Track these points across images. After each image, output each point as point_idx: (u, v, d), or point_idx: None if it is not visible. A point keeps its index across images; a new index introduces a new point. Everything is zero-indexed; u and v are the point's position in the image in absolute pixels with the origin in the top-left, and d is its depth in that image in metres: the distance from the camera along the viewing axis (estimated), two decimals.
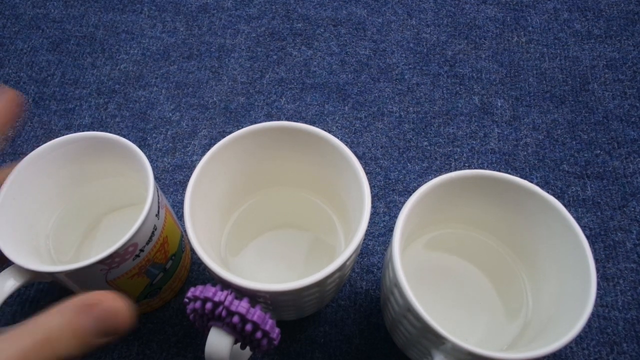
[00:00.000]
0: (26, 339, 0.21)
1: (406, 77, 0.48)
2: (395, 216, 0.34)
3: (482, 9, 0.52)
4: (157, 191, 0.30)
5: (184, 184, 0.41)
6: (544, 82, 0.47)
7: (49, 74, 0.48)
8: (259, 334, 0.26)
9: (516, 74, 0.48)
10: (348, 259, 0.26)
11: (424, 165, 0.43)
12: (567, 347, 0.35)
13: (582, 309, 0.25)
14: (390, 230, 0.40)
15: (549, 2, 0.53)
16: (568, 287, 0.28)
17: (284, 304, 0.28)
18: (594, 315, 0.36)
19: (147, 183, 0.29)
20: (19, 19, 0.51)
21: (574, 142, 0.44)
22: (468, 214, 0.33)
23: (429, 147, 0.44)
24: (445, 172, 0.30)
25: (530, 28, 0.51)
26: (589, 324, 0.36)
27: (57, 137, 0.31)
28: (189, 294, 0.27)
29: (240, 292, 0.26)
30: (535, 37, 0.50)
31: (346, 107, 0.46)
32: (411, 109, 0.46)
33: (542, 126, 0.45)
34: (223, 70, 0.48)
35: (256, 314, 0.25)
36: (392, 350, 0.35)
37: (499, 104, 0.46)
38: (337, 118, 0.45)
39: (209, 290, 0.26)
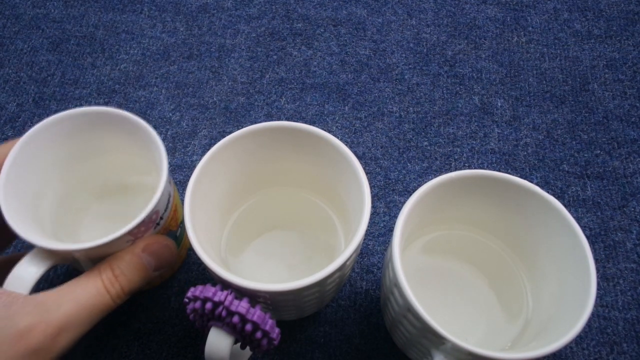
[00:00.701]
0: (108, 274, 0.27)
1: (406, 77, 0.48)
2: (395, 216, 0.34)
3: (482, 9, 0.52)
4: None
5: (184, 184, 0.41)
6: (544, 82, 0.47)
7: (49, 74, 0.48)
8: (259, 334, 0.26)
9: (516, 74, 0.48)
10: (348, 259, 0.26)
11: (424, 165, 0.43)
12: (567, 347, 0.35)
13: (582, 309, 0.25)
14: (390, 230, 0.40)
15: (549, 2, 0.53)
16: (568, 287, 0.28)
17: (284, 304, 0.28)
18: (594, 315, 0.36)
19: (159, 152, 0.29)
20: (19, 19, 0.51)
21: (574, 142, 0.44)
22: (468, 214, 0.33)
23: (429, 147, 0.44)
24: (445, 172, 0.30)
25: (530, 28, 0.51)
26: (589, 324, 0.36)
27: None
28: (189, 294, 0.27)
29: (240, 292, 0.26)
30: (535, 37, 0.50)
31: (346, 107, 0.46)
32: (411, 109, 0.46)
33: (542, 126, 0.45)
34: (223, 70, 0.48)
35: (256, 314, 0.25)
36: (392, 350, 0.35)
37: (499, 104, 0.46)
38: (337, 118, 0.45)
39: (209, 290, 0.26)
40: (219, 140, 0.31)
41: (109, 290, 0.26)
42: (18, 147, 0.29)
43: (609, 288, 0.37)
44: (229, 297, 0.25)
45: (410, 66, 0.49)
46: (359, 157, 0.33)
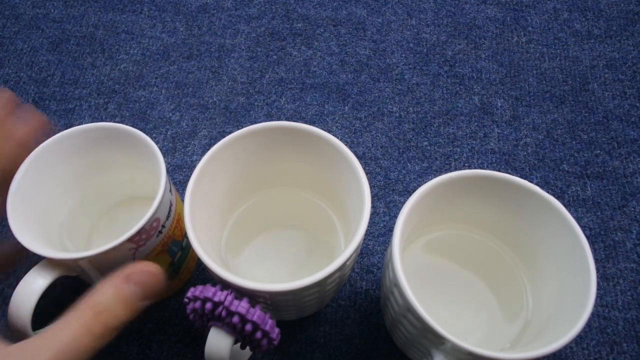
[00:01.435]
0: (88, 313, 0.25)
1: (406, 77, 0.48)
2: (395, 216, 0.34)
3: (482, 9, 0.52)
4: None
5: (184, 184, 0.41)
6: (544, 82, 0.47)
7: (49, 74, 0.48)
8: (258, 334, 0.26)
9: (516, 74, 0.48)
10: (348, 259, 0.26)
11: (424, 165, 0.43)
12: (567, 347, 0.35)
13: (582, 309, 0.25)
14: (390, 230, 0.40)
15: (549, 2, 0.53)
16: (568, 287, 0.28)
17: (284, 304, 0.28)
18: (594, 315, 0.36)
19: (157, 160, 0.30)
20: (19, 19, 0.51)
21: (574, 142, 0.44)
22: (468, 214, 0.33)
23: (429, 147, 0.44)
24: (445, 172, 0.30)
25: (530, 28, 0.51)
26: (589, 324, 0.36)
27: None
28: (189, 294, 0.27)
29: (240, 292, 0.26)
30: (535, 37, 0.50)
31: (346, 107, 0.46)
32: (411, 109, 0.46)
33: (542, 126, 0.45)
34: (223, 70, 0.48)
35: (256, 314, 0.25)
36: (392, 350, 0.35)
37: (499, 104, 0.46)
38: (337, 118, 0.45)
39: (209, 290, 0.26)
40: (219, 140, 0.31)
41: (92, 332, 0.24)
42: (29, 161, 0.30)
43: (609, 288, 0.37)
44: (229, 297, 0.25)
45: (410, 66, 0.49)
46: (359, 157, 0.33)
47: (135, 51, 0.49)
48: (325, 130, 0.31)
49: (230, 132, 0.31)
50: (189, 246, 0.34)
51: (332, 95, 0.47)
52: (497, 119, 0.45)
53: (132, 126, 0.31)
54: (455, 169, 0.37)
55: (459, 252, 0.35)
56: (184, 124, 0.45)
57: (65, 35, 0.50)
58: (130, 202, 0.37)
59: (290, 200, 0.37)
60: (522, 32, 0.51)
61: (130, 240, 0.27)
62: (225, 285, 0.26)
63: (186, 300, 0.27)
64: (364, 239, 0.39)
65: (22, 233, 0.27)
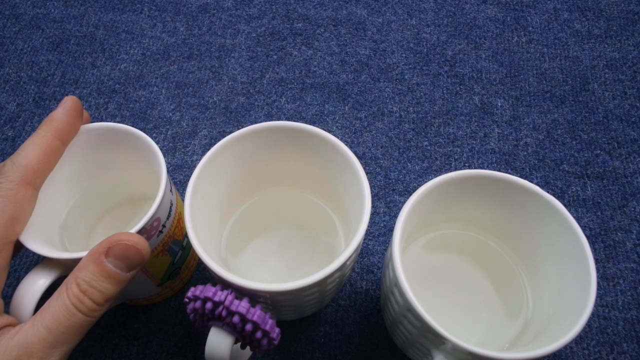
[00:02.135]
0: (73, 288, 0.24)
1: (406, 77, 0.48)
2: (395, 216, 0.34)
3: (482, 9, 0.53)
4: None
5: (184, 184, 0.41)
6: (544, 82, 0.47)
7: (49, 74, 0.48)
8: (259, 334, 0.26)
9: (516, 74, 0.48)
10: (348, 259, 0.26)
11: (424, 165, 0.43)
12: (567, 347, 0.35)
13: (582, 309, 0.25)
14: (390, 230, 0.40)
15: (549, 2, 0.53)
16: (568, 287, 0.28)
17: (284, 304, 0.28)
18: (594, 315, 0.36)
19: (158, 160, 0.30)
20: (19, 19, 0.51)
21: (574, 142, 0.44)
22: (468, 214, 0.33)
23: (429, 147, 0.44)
24: (445, 172, 0.30)
25: (530, 28, 0.51)
26: (589, 324, 0.36)
27: None
28: (189, 294, 0.27)
29: (240, 292, 0.26)
30: (535, 37, 0.50)
31: (346, 107, 0.46)
32: (411, 109, 0.46)
33: (542, 126, 0.45)
34: (223, 70, 0.48)
35: (256, 313, 0.25)
36: (392, 350, 0.35)
37: (499, 104, 0.46)
38: (337, 118, 0.45)
39: (209, 290, 0.26)
40: (219, 140, 0.31)
41: (79, 309, 0.24)
42: None
43: (609, 288, 0.37)
44: (229, 297, 0.25)
45: (410, 66, 0.49)
46: (359, 157, 0.33)
47: (136, 51, 0.49)
48: (325, 130, 0.31)
49: (230, 132, 0.31)
50: (189, 246, 0.34)
51: (332, 95, 0.47)
52: (497, 119, 0.45)
53: (133, 126, 0.31)
54: (456, 169, 0.37)
55: (459, 252, 0.35)
56: (184, 124, 0.45)
57: (65, 35, 0.50)
58: (131, 202, 0.37)
59: (290, 200, 0.37)
60: (522, 32, 0.51)
61: None
62: (226, 285, 0.26)
63: (186, 300, 0.27)
64: (364, 239, 0.39)
65: (22, 233, 0.28)
